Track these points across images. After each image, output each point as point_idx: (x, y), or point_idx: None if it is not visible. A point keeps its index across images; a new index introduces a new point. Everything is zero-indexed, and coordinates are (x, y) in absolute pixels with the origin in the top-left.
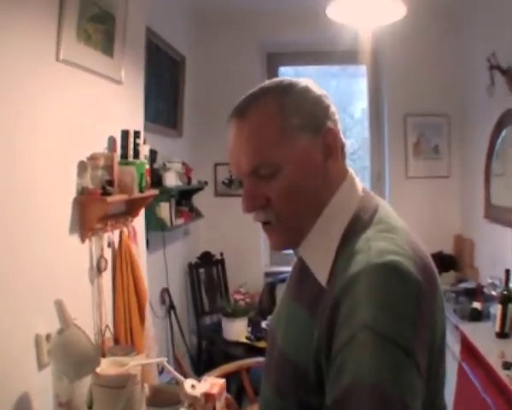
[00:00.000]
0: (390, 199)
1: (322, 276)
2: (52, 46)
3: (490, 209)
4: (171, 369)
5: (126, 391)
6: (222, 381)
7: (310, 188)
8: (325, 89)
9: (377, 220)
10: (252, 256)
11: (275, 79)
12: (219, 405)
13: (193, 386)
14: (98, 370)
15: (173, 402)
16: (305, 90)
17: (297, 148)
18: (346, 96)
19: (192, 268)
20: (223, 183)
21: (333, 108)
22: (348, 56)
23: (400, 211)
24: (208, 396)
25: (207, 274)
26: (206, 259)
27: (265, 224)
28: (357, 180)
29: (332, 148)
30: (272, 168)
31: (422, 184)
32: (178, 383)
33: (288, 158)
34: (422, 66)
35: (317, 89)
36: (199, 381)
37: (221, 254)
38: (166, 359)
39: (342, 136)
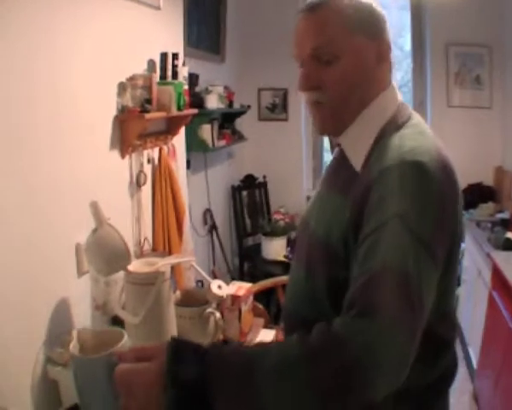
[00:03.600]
0: (432, 127)
1: (357, 162)
2: None
3: None
4: (200, 269)
5: (155, 288)
6: (249, 285)
7: (359, 83)
8: None
9: (410, 125)
10: (294, 180)
11: None
12: (245, 308)
13: (219, 287)
14: (130, 268)
15: (202, 303)
16: (370, 5)
17: (355, 44)
18: (396, 29)
19: (235, 190)
20: (266, 108)
21: (389, 29)
22: None
23: (442, 139)
24: (234, 298)
25: (250, 197)
26: (249, 182)
27: (316, 104)
28: (399, 92)
29: (383, 56)
30: (331, 55)
31: (464, 113)
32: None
33: (346, 50)
34: None
35: (379, 9)
36: (227, 284)
37: (264, 177)
38: (195, 259)
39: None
